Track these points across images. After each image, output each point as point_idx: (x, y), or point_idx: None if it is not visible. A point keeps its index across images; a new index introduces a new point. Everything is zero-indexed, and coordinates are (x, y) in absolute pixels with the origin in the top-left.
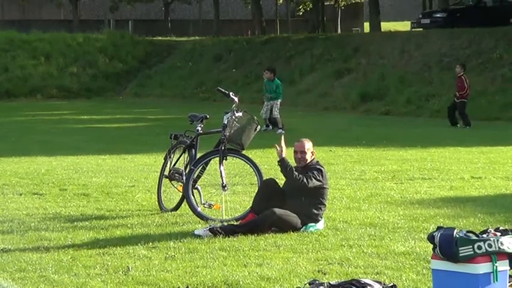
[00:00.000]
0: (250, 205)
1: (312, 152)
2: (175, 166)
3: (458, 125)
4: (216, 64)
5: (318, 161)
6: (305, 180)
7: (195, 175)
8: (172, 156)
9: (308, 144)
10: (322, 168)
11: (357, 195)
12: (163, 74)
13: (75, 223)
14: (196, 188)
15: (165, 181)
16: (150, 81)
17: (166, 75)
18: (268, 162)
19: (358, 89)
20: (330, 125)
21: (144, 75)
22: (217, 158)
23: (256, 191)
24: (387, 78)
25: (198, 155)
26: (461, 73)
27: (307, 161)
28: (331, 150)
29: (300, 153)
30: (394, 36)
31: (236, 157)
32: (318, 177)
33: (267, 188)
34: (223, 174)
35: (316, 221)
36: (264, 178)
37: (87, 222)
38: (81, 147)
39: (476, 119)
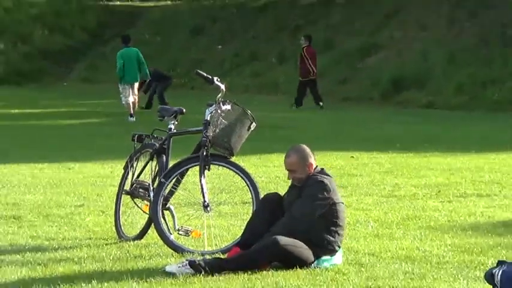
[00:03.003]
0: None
1: (309, 165)
2: (139, 178)
3: None
4: (195, 38)
5: (322, 169)
6: (302, 217)
7: (167, 191)
8: (135, 165)
9: (297, 158)
10: (323, 180)
11: (388, 218)
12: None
13: (2, 256)
14: (168, 209)
15: (126, 199)
16: (105, 62)
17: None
18: (267, 172)
19: (391, 73)
20: (351, 122)
21: (96, 53)
22: (197, 168)
23: (250, 211)
24: (430, 57)
25: (171, 163)
26: None
27: (304, 178)
28: (352, 157)
29: (289, 172)
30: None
31: (223, 166)
32: (317, 195)
33: (268, 206)
34: (204, 190)
35: (332, 252)
36: (262, 194)
37: (18, 256)
38: (10, 153)
39: None
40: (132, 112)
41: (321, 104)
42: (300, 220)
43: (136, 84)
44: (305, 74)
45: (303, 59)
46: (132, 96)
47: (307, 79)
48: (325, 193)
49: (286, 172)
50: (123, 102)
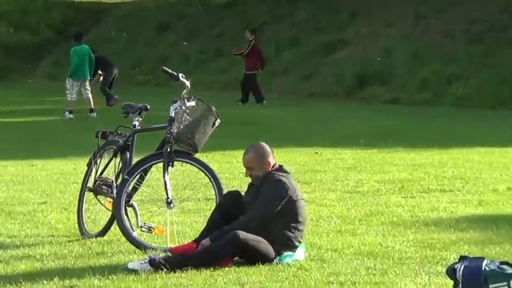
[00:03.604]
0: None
1: (266, 163)
2: (103, 175)
3: None
4: (161, 35)
5: (280, 166)
6: (261, 218)
7: (130, 187)
8: (98, 162)
9: (255, 156)
10: (281, 178)
11: (351, 213)
12: None
13: None
14: (132, 205)
15: (89, 196)
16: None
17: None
18: (230, 169)
19: (355, 69)
20: (315, 118)
21: (62, 50)
22: (161, 164)
23: (214, 207)
24: (395, 53)
25: (135, 160)
26: None
27: (261, 176)
28: (316, 153)
29: (247, 169)
30: None
31: (187, 162)
32: (275, 195)
33: (228, 203)
34: (168, 186)
35: (293, 247)
36: (224, 191)
37: None
38: None
39: None
40: (71, 109)
41: (240, 103)
42: (259, 220)
43: (87, 82)
44: (254, 68)
45: (251, 52)
46: (86, 93)
47: (254, 72)
48: (283, 191)
49: (244, 169)
50: (69, 99)
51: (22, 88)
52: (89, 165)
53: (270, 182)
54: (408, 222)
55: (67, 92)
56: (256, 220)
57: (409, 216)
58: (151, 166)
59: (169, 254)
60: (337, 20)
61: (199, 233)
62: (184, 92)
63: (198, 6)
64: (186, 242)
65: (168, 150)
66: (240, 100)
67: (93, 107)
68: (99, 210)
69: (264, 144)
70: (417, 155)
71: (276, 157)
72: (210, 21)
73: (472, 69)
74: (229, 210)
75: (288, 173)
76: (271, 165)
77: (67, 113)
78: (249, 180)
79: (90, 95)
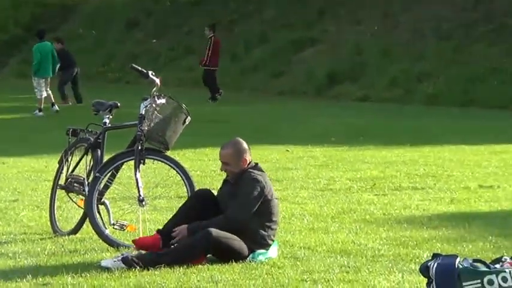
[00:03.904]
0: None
1: (243, 160)
2: (74, 173)
3: None
4: (130, 32)
5: (256, 164)
6: (238, 218)
7: (102, 185)
8: (70, 160)
9: (232, 151)
10: (257, 177)
11: (323, 211)
12: None
13: None
14: (104, 203)
15: (61, 193)
16: None
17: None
18: (202, 166)
19: (325, 67)
20: (286, 116)
21: (30, 47)
22: (132, 162)
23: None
24: (365, 51)
25: (106, 158)
26: None
27: (237, 172)
28: (288, 150)
29: (222, 164)
30: None
31: (158, 160)
32: (252, 193)
33: (198, 202)
34: (140, 184)
35: (266, 246)
36: (196, 188)
37: None
38: None
39: (486, 106)
40: (41, 107)
41: (210, 101)
42: (236, 221)
43: (49, 79)
44: (214, 64)
45: (213, 49)
46: (45, 91)
47: (215, 68)
48: (259, 190)
49: (220, 163)
50: (39, 97)
51: None
52: (60, 162)
53: (246, 181)
54: (381, 220)
55: (35, 90)
56: (234, 221)
57: (382, 214)
58: (122, 164)
59: (142, 252)
60: (305, 17)
61: (164, 224)
62: (154, 89)
63: (166, 3)
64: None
65: (139, 147)
66: (210, 98)
67: (53, 101)
68: (71, 208)
69: (241, 140)
70: (388, 153)
71: None
72: (178, 19)
73: (441, 67)
74: (198, 207)
75: (263, 172)
76: (248, 162)
77: (37, 111)
78: (221, 177)
79: (48, 95)
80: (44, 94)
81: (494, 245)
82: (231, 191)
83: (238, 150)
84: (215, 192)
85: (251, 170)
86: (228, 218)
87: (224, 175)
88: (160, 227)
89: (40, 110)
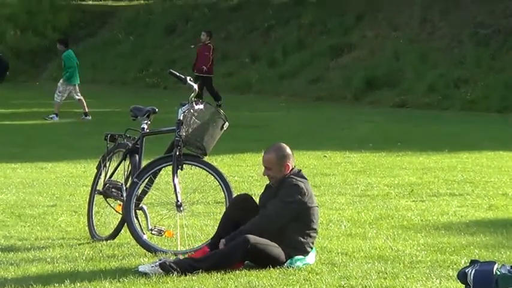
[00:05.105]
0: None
1: (285, 166)
2: (112, 178)
3: None
4: (168, 38)
5: (299, 171)
6: (274, 218)
7: (140, 190)
8: (108, 165)
9: (275, 157)
10: (298, 183)
11: (361, 217)
12: (95, 51)
13: None
14: (141, 209)
15: (99, 199)
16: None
17: (99, 54)
18: (240, 172)
19: (363, 73)
20: (323, 122)
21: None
22: (170, 167)
23: (223, 211)
24: (402, 57)
25: (144, 163)
26: None
27: (279, 178)
28: (325, 156)
29: (265, 168)
30: None
31: (196, 165)
32: (292, 198)
33: (238, 206)
34: (177, 189)
35: (305, 252)
36: (235, 194)
37: None
38: None
39: None
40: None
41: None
42: (272, 220)
43: (77, 86)
44: (211, 70)
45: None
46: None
47: (210, 75)
48: (299, 196)
49: (263, 168)
50: (58, 101)
51: (29, 90)
52: (98, 168)
53: (288, 186)
54: (418, 226)
55: (58, 94)
56: (269, 220)
57: (419, 220)
58: (160, 169)
59: (180, 257)
60: (343, 23)
61: (212, 237)
62: (192, 95)
63: (205, 9)
64: (196, 245)
65: (177, 153)
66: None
67: (86, 110)
68: (109, 213)
69: (284, 145)
70: (426, 159)
71: None
72: (216, 24)
73: (479, 73)
74: (238, 213)
75: (305, 179)
76: (290, 168)
77: (54, 115)
78: (259, 183)
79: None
80: (64, 99)
81: None
82: (272, 196)
83: (281, 156)
84: (255, 198)
85: (293, 176)
86: (265, 216)
87: (267, 180)
88: (198, 233)
89: (57, 115)
